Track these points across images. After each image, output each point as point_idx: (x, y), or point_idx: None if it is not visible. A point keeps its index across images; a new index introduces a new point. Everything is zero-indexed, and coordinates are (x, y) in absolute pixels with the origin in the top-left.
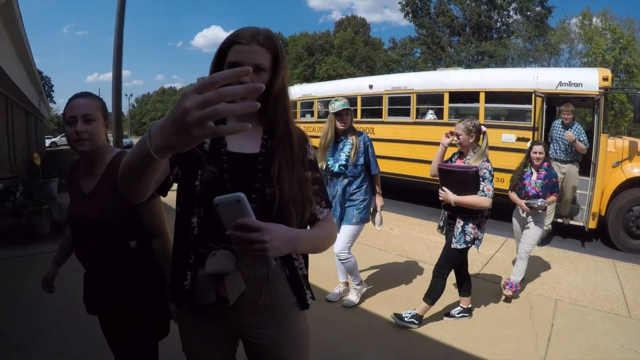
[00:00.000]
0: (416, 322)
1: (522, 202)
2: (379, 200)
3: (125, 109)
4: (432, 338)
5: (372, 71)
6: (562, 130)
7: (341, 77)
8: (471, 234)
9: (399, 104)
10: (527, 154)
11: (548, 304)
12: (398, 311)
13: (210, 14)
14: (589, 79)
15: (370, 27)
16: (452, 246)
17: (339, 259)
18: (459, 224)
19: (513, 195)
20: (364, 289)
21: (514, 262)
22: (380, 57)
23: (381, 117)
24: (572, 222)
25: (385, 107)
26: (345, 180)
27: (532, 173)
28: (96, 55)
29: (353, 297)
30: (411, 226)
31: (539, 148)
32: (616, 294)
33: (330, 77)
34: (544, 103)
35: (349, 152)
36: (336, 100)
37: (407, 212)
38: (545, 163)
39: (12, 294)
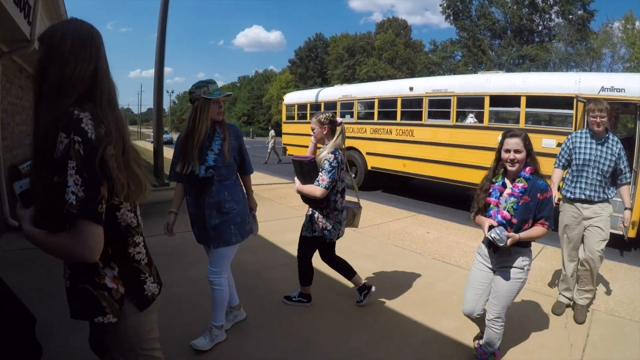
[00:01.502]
0: (304, 300)
1: (485, 227)
2: (252, 202)
3: (166, 105)
4: (466, 344)
5: (412, 73)
6: (594, 144)
7: (381, 78)
8: (320, 223)
9: (439, 107)
10: (496, 154)
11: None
12: (430, 317)
13: (252, 13)
14: (632, 84)
15: (411, 29)
16: (302, 234)
17: (211, 284)
18: (308, 212)
19: (478, 219)
20: (222, 338)
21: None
22: (421, 60)
23: (421, 120)
24: (611, 230)
25: (425, 109)
26: (214, 188)
27: (502, 185)
28: (139, 52)
29: (204, 341)
30: (448, 230)
31: (514, 142)
32: None
33: (370, 79)
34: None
35: (219, 150)
36: (209, 83)
37: (445, 216)
38: (528, 169)
39: None
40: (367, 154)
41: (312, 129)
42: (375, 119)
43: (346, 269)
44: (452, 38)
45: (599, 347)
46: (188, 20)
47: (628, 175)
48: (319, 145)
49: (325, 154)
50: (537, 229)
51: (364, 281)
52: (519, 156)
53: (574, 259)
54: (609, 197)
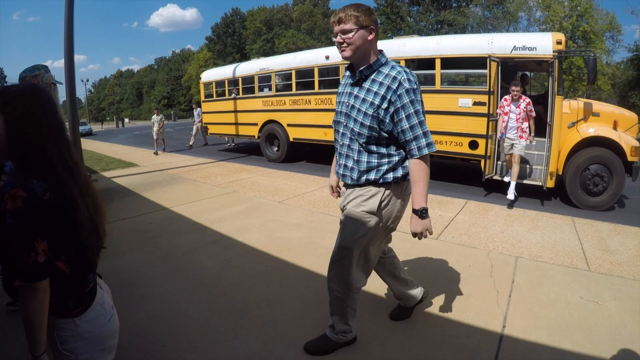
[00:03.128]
0: None
1: None
2: None
3: (82, 95)
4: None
5: (331, 43)
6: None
7: (301, 50)
8: None
9: None
10: None
11: (508, 261)
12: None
13: None
14: (542, 43)
15: None
16: None
17: None
18: None
19: None
20: None
21: None
22: None
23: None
24: (530, 182)
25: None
26: None
27: None
28: (49, 41)
29: None
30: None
31: None
32: (575, 249)
33: (290, 51)
34: (499, 67)
35: None
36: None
37: None
38: None
39: None
40: (288, 125)
41: None
42: (294, 90)
43: None
44: (370, 6)
45: (525, 291)
46: (98, 3)
47: None
48: None
49: None
50: None
51: None
52: None
53: None
54: None
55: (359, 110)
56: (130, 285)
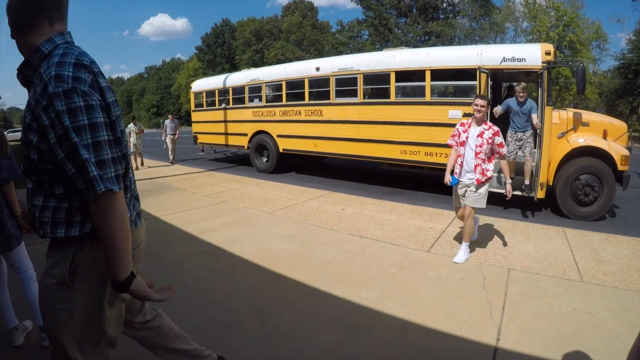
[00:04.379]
0: None
1: None
2: None
3: None
4: (388, 313)
5: (320, 54)
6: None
7: (290, 61)
8: None
9: (346, 85)
10: None
11: (501, 273)
12: (350, 290)
13: (157, 1)
14: (532, 54)
15: (317, 10)
16: None
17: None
18: None
19: None
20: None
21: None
22: (329, 40)
23: (329, 99)
24: (520, 193)
25: (332, 88)
26: None
27: None
28: None
29: None
30: (363, 205)
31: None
32: (567, 260)
33: (279, 62)
34: (489, 79)
35: None
36: None
37: (359, 192)
38: None
39: None
40: (278, 136)
41: None
42: (284, 101)
43: None
44: (358, 18)
45: (518, 303)
46: (90, 11)
47: None
48: None
49: None
50: None
51: None
52: None
53: None
54: None
55: None
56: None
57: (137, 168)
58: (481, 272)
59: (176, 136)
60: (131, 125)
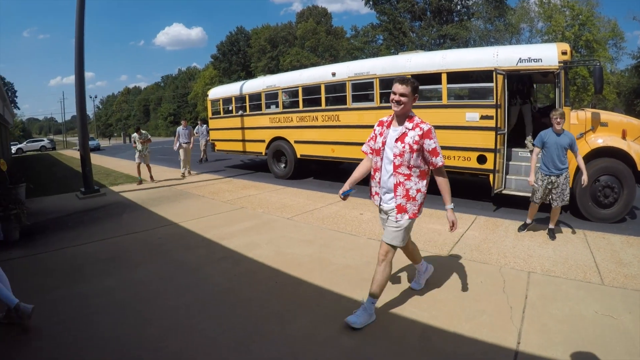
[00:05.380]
0: None
1: None
2: None
3: (90, 111)
4: (408, 317)
5: (335, 60)
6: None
7: (305, 67)
8: None
9: (363, 90)
10: None
11: (521, 276)
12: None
13: (172, 11)
14: (548, 54)
15: (331, 16)
16: None
17: None
18: None
19: None
20: None
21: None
22: (343, 46)
23: (345, 104)
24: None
25: (349, 93)
26: None
27: None
28: (59, 58)
29: None
30: None
31: None
32: (588, 262)
33: (294, 68)
34: (505, 80)
35: None
36: None
37: None
38: None
39: None
40: (296, 142)
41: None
42: (301, 107)
43: None
44: (372, 22)
45: (538, 307)
46: (107, 23)
47: None
48: None
49: None
50: None
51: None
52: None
53: None
54: None
55: None
56: (141, 299)
57: (140, 183)
58: (501, 276)
59: (191, 145)
60: (135, 135)
